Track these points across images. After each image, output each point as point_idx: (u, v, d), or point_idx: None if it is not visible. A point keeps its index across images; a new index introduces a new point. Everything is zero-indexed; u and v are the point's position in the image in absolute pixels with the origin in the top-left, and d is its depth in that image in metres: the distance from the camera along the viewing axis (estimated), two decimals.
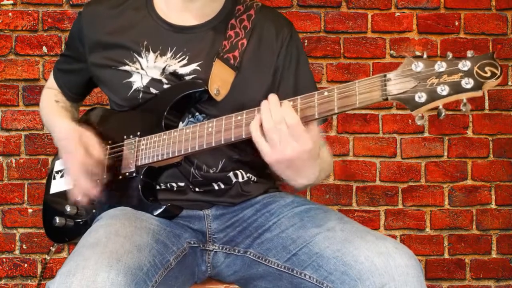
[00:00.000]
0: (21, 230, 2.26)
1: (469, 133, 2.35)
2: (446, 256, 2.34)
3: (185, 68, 1.38)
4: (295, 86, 1.42)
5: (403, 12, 2.33)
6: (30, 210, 2.26)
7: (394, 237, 2.33)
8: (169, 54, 1.39)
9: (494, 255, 2.35)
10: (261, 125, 1.14)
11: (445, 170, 2.34)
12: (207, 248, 1.40)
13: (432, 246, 2.34)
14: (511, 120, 2.36)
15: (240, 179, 1.42)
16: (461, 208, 2.34)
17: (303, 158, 1.13)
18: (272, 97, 1.16)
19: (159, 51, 1.40)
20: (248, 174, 1.43)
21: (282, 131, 1.12)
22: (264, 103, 1.16)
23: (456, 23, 2.35)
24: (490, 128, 2.35)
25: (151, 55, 1.39)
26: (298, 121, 1.12)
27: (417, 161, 2.34)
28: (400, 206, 2.33)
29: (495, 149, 2.35)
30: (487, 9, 2.35)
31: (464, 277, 2.34)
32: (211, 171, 1.39)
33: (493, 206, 2.35)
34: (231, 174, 1.41)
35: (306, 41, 2.30)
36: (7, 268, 2.27)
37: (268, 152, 1.14)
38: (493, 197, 2.35)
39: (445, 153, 2.34)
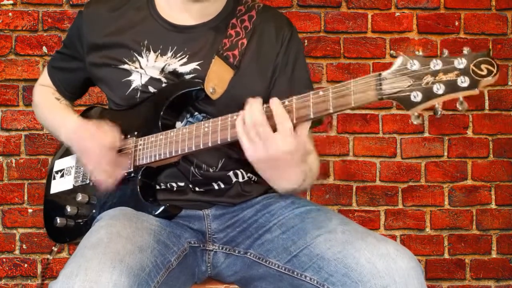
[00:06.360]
0: (21, 230, 2.26)
1: (469, 133, 2.35)
2: (446, 256, 2.34)
3: (185, 67, 1.37)
4: (290, 84, 1.42)
5: (403, 12, 2.33)
6: (30, 210, 2.26)
7: (394, 237, 2.33)
8: (169, 54, 1.39)
9: (494, 255, 2.36)
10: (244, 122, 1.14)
11: (445, 170, 2.34)
12: (207, 248, 1.40)
13: (432, 246, 2.34)
14: (511, 120, 2.36)
15: (240, 179, 1.42)
16: (461, 208, 2.34)
17: (286, 159, 1.12)
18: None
19: (159, 51, 1.39)
20: (248, 174, 1.43)
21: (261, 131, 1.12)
22: (249, 100, 1.15)
23: (456, 23, 2.35)
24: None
25: (152, 55, 1.39)
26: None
27: (417, 161, 2.34)
28: (400, 206, 2.33)
29: (495, 149, 2.35)
30: (487, 9, 2.35)
31: (464, 277, 2.35)
32: (210, 170, 1.38)
33: (493, 206, 2.35)
34: (231, 173, 1.41)
35: (306, 41, 2.29)
36: (7, 268, 2.27)
37: (249, 149, 1.13)
38: (493, 197, 2.35)
39: (445, 153, 2.34)
